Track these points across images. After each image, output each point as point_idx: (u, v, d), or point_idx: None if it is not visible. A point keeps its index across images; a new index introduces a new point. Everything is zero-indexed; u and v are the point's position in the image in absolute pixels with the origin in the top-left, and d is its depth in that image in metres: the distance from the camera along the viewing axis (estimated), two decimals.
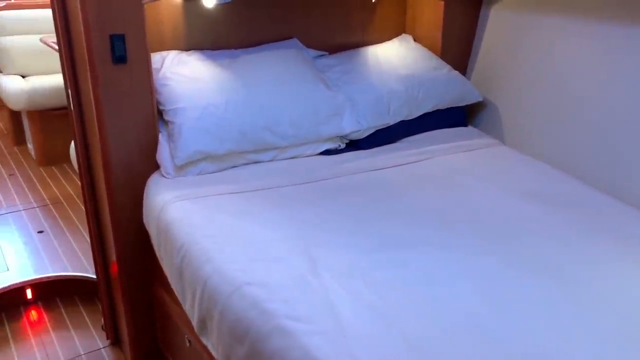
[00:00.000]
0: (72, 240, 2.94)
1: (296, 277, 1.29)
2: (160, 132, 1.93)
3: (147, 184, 1.89)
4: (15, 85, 3.75)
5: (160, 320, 2.07)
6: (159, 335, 2.13)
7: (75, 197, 3.49)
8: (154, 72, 1.91)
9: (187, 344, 1.78)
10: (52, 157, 3.96)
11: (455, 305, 1.21)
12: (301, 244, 1.44)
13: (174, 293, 1.81)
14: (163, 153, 1.87)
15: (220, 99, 1.93)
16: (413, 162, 2.03)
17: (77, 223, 3.14)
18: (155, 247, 1.79)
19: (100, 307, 2.49)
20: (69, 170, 3.90)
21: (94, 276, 2.55)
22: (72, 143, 2.87)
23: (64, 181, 3.73)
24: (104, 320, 2.34)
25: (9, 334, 2.38)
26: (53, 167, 3.95)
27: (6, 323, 2.45)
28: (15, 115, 4.29)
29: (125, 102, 1.83)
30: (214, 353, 1.37)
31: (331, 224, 1.57)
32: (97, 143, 1.89)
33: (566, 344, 1.09)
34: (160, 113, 1.95)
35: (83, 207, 3.31)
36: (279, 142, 1.97)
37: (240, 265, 1.35)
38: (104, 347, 2.30)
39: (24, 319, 2.48)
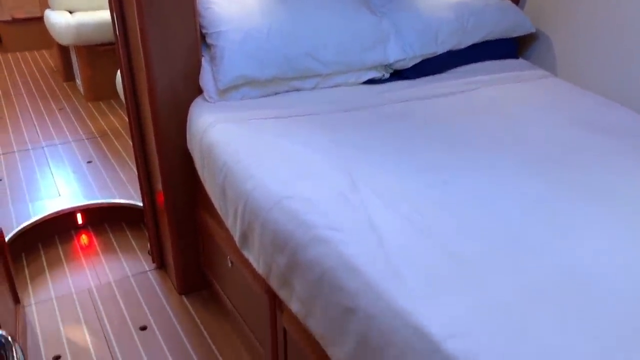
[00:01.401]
0: (119, 170, 3.03)
1: (336, 193, 1.28)
2: (203, 56, 1.92)
3: (190, 108, 1.91)
4: (63, 20, 3.80)
5: (204, 244, 2.12)
6: (202, 259, 2.19)
7: (121, 130, 3.57)
8: None
9: (229, 265, 1.83)
10: (99, 93, 4.04)
11: (501, 223, 1.18)
12: (342, 165, 1.43)
13: (217, 217, 1.85)
14: (206, 77, 1.87)
15: (263, 23, 1.89)
16: (461, 92, 1.97)
17: (124, 154, 3.22)
18: (199, 170, 1.81)
19: (146, 233, 2.58)
20: (116, 105, 3.98)
21: (141, 204, 2.63)
22: (118, 74, 2.92)
23: (110, 115, 3.82)
24: (150, 245, 2.42)
25: (62, 255, 2.50)
26: (100, 102, 4.03)
27: (59, 245, 2.57)
28: (64, 52, 4.37)
29: (170, 26, 1.83)
30: (255, 265, 1.40)
31: (373, 148, 1.55)
32: (142, 71, 1.91)
33: (618, 263, 1.06)
34: (203, 37, 1.94)
35: (129, 140, 3.41)
36: (322, 69, 1.94)
37: (281, 180, 1.35)
38: (150, 270, 2.40)
39: (75, 242, 2.60)
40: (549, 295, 0.95)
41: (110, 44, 3.80)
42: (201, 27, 1.91)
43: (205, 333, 2.04)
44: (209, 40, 1.90)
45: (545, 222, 1.19)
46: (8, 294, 1.95)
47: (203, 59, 1.91)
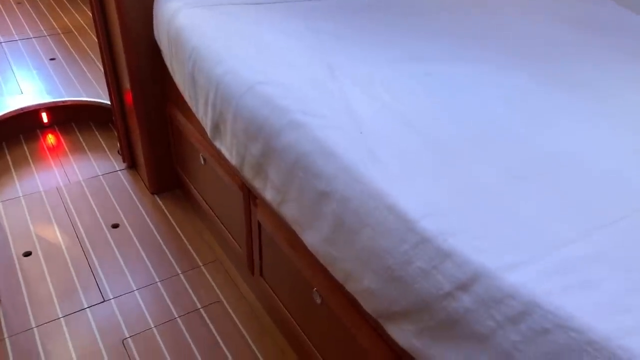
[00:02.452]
0: (85, 68, 2.88)
1: (312, 79, 1.22)
2: None
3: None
4: None
5: (175, 142, 2.06)
6: (174, 157, 2.14)
7: (86, 27, 3.37)
8: None
9: (202, 162, 1.78)
10: None
11: (480, 112, 1.14)
12: (318, 53, 1.36)
13: (188, 113, 1.78)
14: None
15: None
16: None
17: (90, 52, 3.05)
18: (167, 61, 1.72)
19: (115, 132, 2.49)
20: (78, 0, 3.73)
21: (109, 102, 2.53)
22: None
23: (73, 11, 3.59)
24: (119, 145, 2.35)
25: (28, 155, 2.41)
26: None
27: (24, 144, 2.48)
28: None
29: None
30: (228, 157, 1.35)
31: (351, 37, 1.47)
32: None
33: (595, 148, 1.04)
34: None
35: (94, 37, 3.23)
36: None
37: (254, 66, 1.28)
38: (120, 170, 2.34)
39: (41, 141, 2.50)
40: (529, 179, 0.93)
41: None
42: None
43: (178, 231, 2.03)
44: None
45: (527, 112, 1.15)
46: None
47: None
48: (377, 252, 0.89)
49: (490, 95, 1.21)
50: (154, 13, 1.77)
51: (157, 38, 1.80)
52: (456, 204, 0.87)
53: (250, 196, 1.49)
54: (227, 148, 1.34)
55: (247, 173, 1.27)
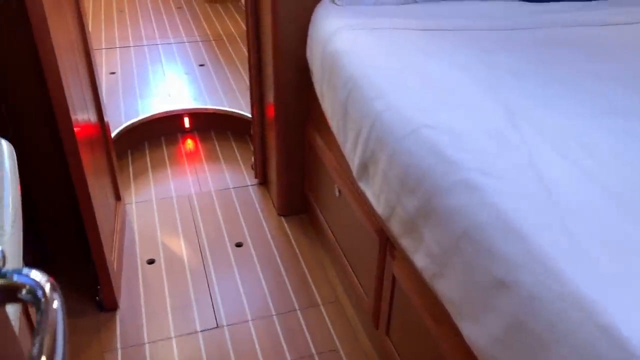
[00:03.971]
0: (230, 77, 2.89)
1: (489, 127, 1.01)
2: None
3: (314, 12, 1.66)
4: None
5: (310, 165, 1.94)
6: (307, 181, 2.02)
7: (236, 35, 3.41)
8: None
9: (337, 194, 1.63)
10: None
11: None
12: (494, 92, 1.14)
13: (329, 139, 1.65)
14: None
15: None
16: (635, 23, 1.56)
17: (237, 61, 3.07)
18: (317, 84, 1.59)
19: (251, 146, 2.45)
20: (232, 9, 3.81)
21: (249, 114, 2.49)
22: None
23: (227, 19, 3.66)
24: (254, 159, 2.29)
25: (166, 157, 2.44)
26: (218, 5, 3.88)
27: (164, 146, 2.51)
28: None
29: None
30: (373, 203, 1.18)
31: (532, 75, 1.24)
32: None
33: None
34: None
35: (243, 47, 3.26)
36: None
37: (419, 104, 1.10)
38: (251, 185, 2.27)
39: (180, 145, 2.53)
40: None
41: None
42: None
43: (301, 259, 1.90)
44: None
45: None
46: (110, 190, 1.90)
47: None
48: None
49: None
50: (309, 33, 1.66)
51: (309, 58, 1.69)
52: None
53: (387, 244, 1.31)
54: (373, 193, 1.17)
55: (395, 227, 1.08)
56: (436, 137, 0.99)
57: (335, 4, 1.60)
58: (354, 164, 1.25)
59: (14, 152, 0.76)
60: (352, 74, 1.27)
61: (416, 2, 1.63)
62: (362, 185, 1.23)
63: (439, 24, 1.48)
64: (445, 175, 0.92)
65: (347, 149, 1.31)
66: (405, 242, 1.05)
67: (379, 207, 1.14)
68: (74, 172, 1.44)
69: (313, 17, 1.65)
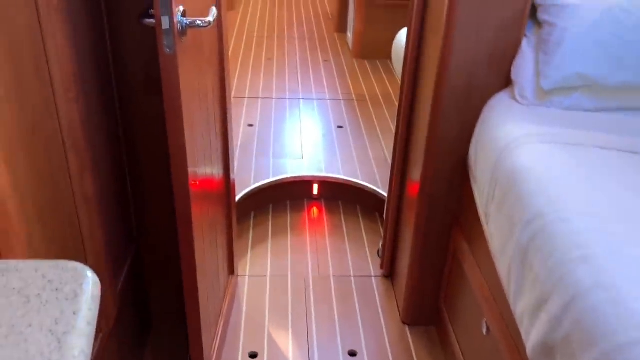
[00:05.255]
0: (368, 144, 2.67)
1: None
2: (526, 35, 1.36)
3: (488, 104, 1.38)
4: None
5: (452, 277, 1.63)
6: (443, 292, 1.71)
7: (380, 97, 3.21)
8: None
9: (484, 330, 1.31)
10: (368, 50, 3.74)
11: None
12: None
13: (481, 256, 1.34)
14: (524, 66, 1.32)
15: (633, 2, 1.25)
16: None
17: (377, 127, 2.85)
18: (481, 197, 1.30)
19: (381, 227, 2.19)
20: (381, 68, 3.64)
21: (383, 193, 2.24)
22: (398, 35, 2.50)
23: (373, 78, 3.49)
24: (382, 245, 2.02)
25: (289, 225, 2.26)
26: (366, 61, 3.73)
27: (288, 211, 2.34)
28: (344, 0, 4.17)
29: None
30: None
31: None
32: (436, 37, 1.43)
33: None
34: (534, 8, 1.37)
35: (385, 110, 3.05)
36: None
37: None
38: (375, 276, 2.00)
39: (305, 214, 2.34)
40: None
41: None
42: None
43: None
44: (541, 15, 1.32)
45: None
46: (224, 262, 1.73)
47: (525, 40, 1.35)
48: None
49: None
50: (478, 130, 1.38)
51: (471, 158, 1.41)
52: None
53: None
54: None
55: None
56: None
57: (517, 101, 1.31)
58: (529, 335, 0.93)
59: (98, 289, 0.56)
60: (542, 211, 0.96)
61: (622, 110, 1.28)
62: None
63: None
64: None
65: (517, 307, 0.99)
66: None
67: None
68: (182, 235, 1.20)
69: (486, 113, 1.37)
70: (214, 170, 1.50)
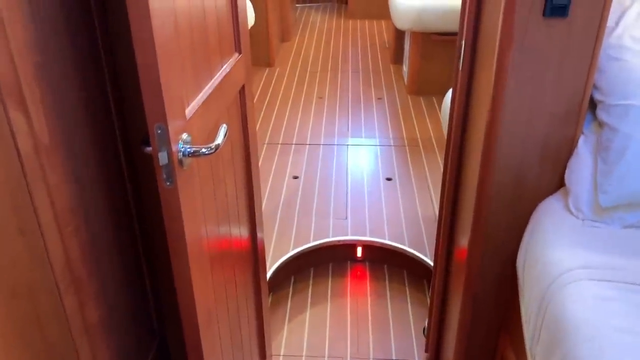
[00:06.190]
0: (417, 200, 2.52)
1: None
2: (583, 133, 1.19)
3: (538, 209, 1.22)
4: (406, 2, 3.37)
5: None
6: None
7: (434, 141, 3.04)
8: (604, 35, 1.13)
9: None
10: (423, 87, 3.58)
11: None
12: None
13: None
14: (580, 172, 1.15)
15: None
16: None
17: (429, 178, 2.69)
18: (527, 321, 1.14)
19: (427, 298, 2.04)
20: (436, 105, 3.47)
21: (429, 261, 2.10)
22: (446, 96, 2.35)
23: (427, 117, 3.32)
24: (427, 324, 1.87)
25: (329, 293, 2.15)
26: (421, 98, 3.57)
27: (330, 276, 2.23)
28: (399, 31, 4.02)
29: (544, 76, 1.14)
30: None
31: None
32: (479, 120, 1.29)
33: None
34: (593, 105, 1.19)
35: (440, 156, 2.87)
36: None
37: None
38: None
39: (347, 278, 2.22)
40: None
41: (452, 33, 3.25)
42: (595, 89, 1.17)
43: None
44: (602, 116, 1.15)
45: None
46: (251, 343, 1.62)
47: (582, 140, 1.18)
48: None
49: None
50: (526, 238, 1.22)
51: (518, 269, 1.25)
52: None
53: None
54: None
55: None
56: None
57: (571, 212, 1.14)
58: None
59: None
60: None
61: None
62: None
63: None
64: None
65: None
66: None
67: None
68: (185, 320, 1.00)
69: (535, 220, 1.21)
70: (236, 229, 1.39)
